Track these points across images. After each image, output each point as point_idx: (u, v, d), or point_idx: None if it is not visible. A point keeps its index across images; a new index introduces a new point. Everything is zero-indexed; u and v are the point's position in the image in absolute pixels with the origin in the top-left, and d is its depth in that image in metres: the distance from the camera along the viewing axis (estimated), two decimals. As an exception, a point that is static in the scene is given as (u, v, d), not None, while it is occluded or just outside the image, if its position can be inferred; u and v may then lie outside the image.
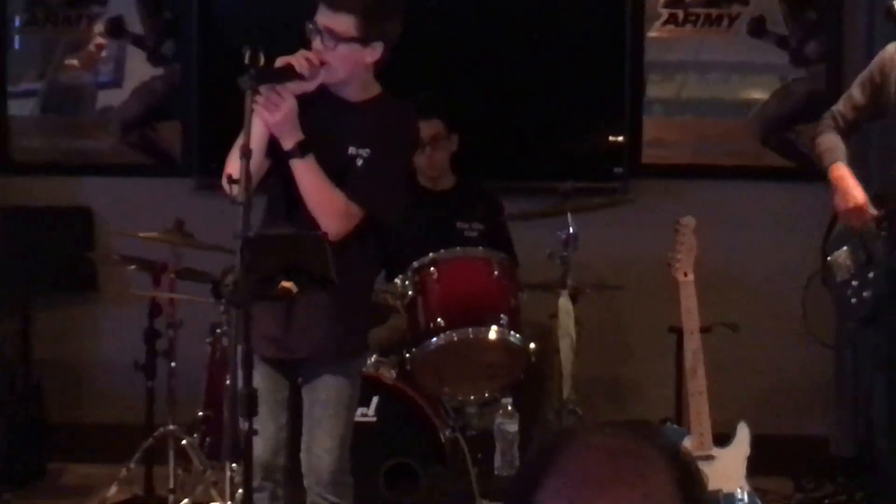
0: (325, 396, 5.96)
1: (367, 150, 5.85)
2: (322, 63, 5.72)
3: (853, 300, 6.91)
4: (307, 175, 5.77)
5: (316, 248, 5.61)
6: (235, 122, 5.55)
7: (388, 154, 5.92)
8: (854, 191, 6.64)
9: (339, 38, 5.74)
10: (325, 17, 5.76)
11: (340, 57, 5.77)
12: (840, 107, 6.89)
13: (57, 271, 9.23)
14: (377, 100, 5.99)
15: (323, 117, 5.86)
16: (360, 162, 5.85)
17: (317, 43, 5.78)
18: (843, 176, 6.70)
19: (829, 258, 7.02)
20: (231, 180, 5.46)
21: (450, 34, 8.89)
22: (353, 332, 6.08)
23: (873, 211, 6.60)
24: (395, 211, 5.99)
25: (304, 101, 5.74)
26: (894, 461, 6.79)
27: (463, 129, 8.11)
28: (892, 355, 6.63)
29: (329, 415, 5.95)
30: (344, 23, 5.72)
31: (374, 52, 5.83)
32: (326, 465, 5.96)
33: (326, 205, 5.78)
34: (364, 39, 5.77)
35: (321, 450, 5.95)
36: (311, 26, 5.77)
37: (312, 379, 5.99)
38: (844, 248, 6.90)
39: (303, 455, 6.03)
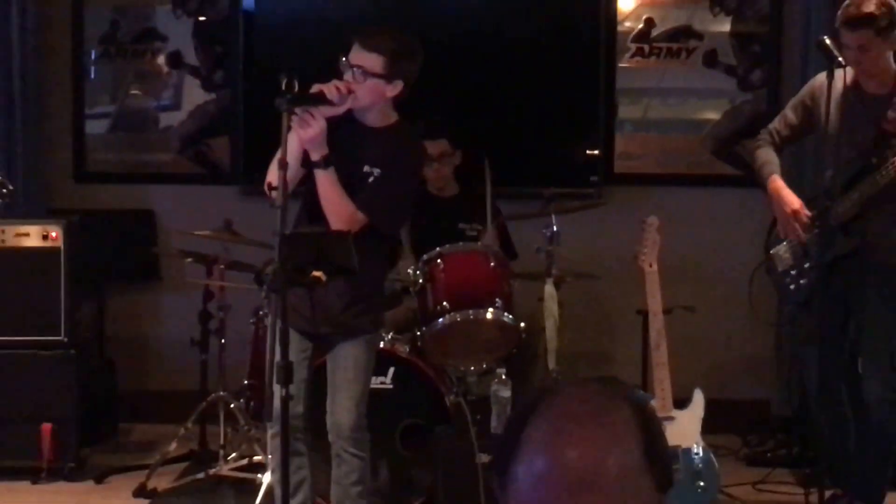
0: (344, 364, 6.05)
1: (379, 170, 5.94)
2: (350, 92, 5.80)
3: (791, 287, 6.93)
4: (326, 183, 5.86)
5: (341, 243, 5.66)
6: (274, 139, 5.61)
7: (395, 176, 6.00)
8: (790, 198, 6.68)
9: (367, 74, 5.85)
10: (357, 55, 5.87)
11: (367, 89, 5.87)
12: (776, 125, 6.92)
13: (126, 263, 9.27)
14: (393, 127, 6.07)
15: (346, 138, 5.92)
16: (371, 179, 5.93)
17: (348, 75, 5.86)
18: (779, 187, 6.73)
19: (770, 251, 7.04)
20: (271, 187, 5.57)
21: (456, 66, 8.87)
22: (366, 312, 6.14)
23: (807, 212, 6.62)
24: (393, 224, 6.16)
25: (332, 122, 5.79)
26: (822, 419, 6.80)
27: (465, 145, 8.14)
28: (821, 332, 6.64)
29: (348, 379, 6.03)
30: (373, 61, 5.83)
31: (395, 88, 5.93)
32: (346, 422, 6.02)
33: (336, 209, 5.87)
34: (388, 77, 5.88)
35: (342, 409, 6.02)
36: (344, 61, 5.86)
37: (335, 349, 6.08)
38: (784, 243, 6.92)
39: (327, 415, 6.08)
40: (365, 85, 5.88)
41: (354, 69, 5.86)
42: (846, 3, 6.42)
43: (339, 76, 5.88)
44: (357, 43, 5.90)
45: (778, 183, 6.76)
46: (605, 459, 2.06)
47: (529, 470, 2.09)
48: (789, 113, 6.88)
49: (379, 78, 5.88)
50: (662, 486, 2.13)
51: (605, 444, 2.08)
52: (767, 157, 6.81)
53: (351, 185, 5.92)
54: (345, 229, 5.83)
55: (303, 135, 5.74)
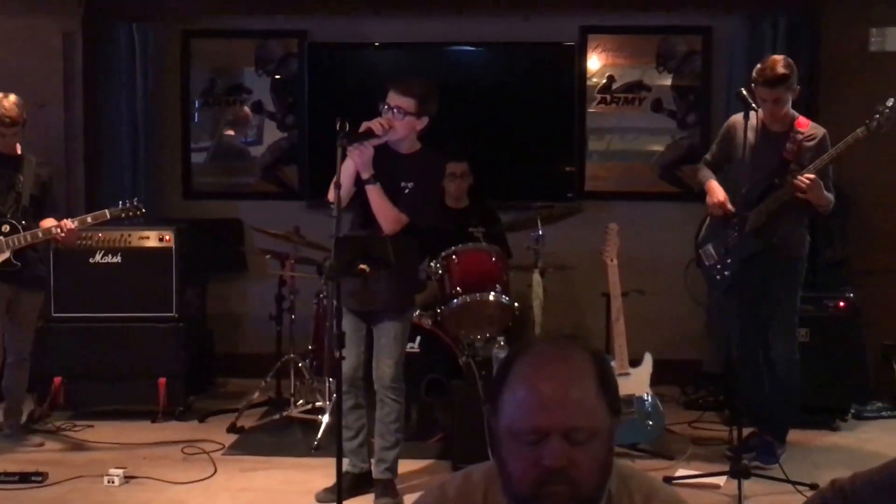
0: (387, 332, 6.05)
1: (412, 184, 5.98)
2: (390, 127, 5.87)
3: (717, 277, 6.87)
4: (374, 195, 5.90)
5: (381, 244, 5.70)
6: (332, 166, 5.60)
7: (424, 186, 6.07)
8: (718, 192, 6.67)
9: (404, 113, 5.91)
10: (395, 98, 5.92)
11: (403, 125, 5.95)
12: (707, 155, 6.94)
13: (221, 259, 9.28)
14: (420, 152, 6.11)
15: (386, 162, 5.95)
16: (407, 190, 5.96)
17: (388, 114, 5.91)
18: (712, 185, 6.73)
19: (700, 249, 6.98)
20: (329, 203, 5.60)
21: (467, 107, 8.82)
22: (404, 295, 6.17)
23: (731, 206, 6.59)
24: (427, 220, 6.10)
25: (376, 149, 5.85)
26: (743, 375, 6.74)
27: (477, 167, 8.15)
28: (740, 311, 6.59)
29: (390, 343, 6.06)
30: (407, 103, 5.91)
31: (423, 123, 6.02)
32: (388, 374, 6.05)
33: (385, 213, 5.91)
34: (418, 114, 5.96)
35: (384, 365, 6.04)
36: (384, 106, 5.91)
37: (379, 323, 6.08)
38: (710, 243, 6.87)
39: (373, 370, 6.09)
40: (403, 121, 5.94)
41: (394, 109, 5.90)
42: (761, 66, 6.44)
43: (379, 115, 5.92)
44: (393, 89, 5.94)
45: (712, 182, 6.76)
46: (569, 386, 2.14)
47: (513, 397, 2.16)
48: (714, 147, 6.93)
49: (412, 115, 5.94)
50: (613, 410, 2.21)
51: (568, 376, 2.16)
52: (704, 171, 6.85)
53: (393, 195, 5.95)
54: (394, 229, 5.92)
55: (357, 160, 5.82)
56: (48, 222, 6.91)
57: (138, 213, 7.03)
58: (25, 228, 6.89)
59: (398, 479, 6.24)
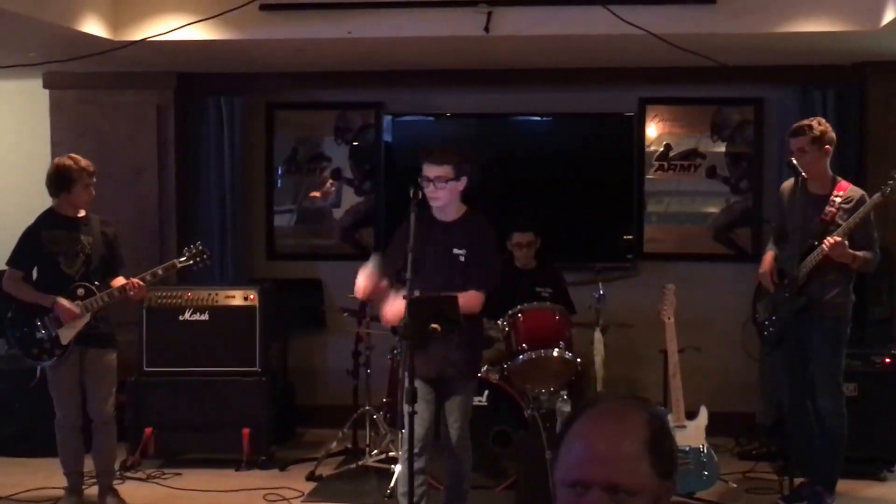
0: (455, 397, 6.05)
1: (465, 250, 5.99)
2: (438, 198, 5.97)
3: (766, 333, 6.94)
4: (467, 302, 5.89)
5: (451, 305, 5.69)
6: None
7: (481, 253, 6.04)
8: (765, 263, 6.81)
9: (445, 180, 5.92)
10: (432, 169, 5.94)
11: (446, 192, 5.95)
12: (773, 231, 7.05)
13: (302, 316, 9.37)
14: (465, 216, 6.13)
15: (436, 233, 6.00)
16: (462, 258, 5.98)
17: (430, 188, 5.94)
18: (765, 257, 6.81)
19: (755, 305, 7.04)
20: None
21: (532, 175, 8.97)
22: (472, 360, 6.16)
23: (775, 279, 6.72)
24: (493, 283, 6.10)
25: (424, 220, 5.91)
26: (793, 427, 6.78)
27: (543, 232, 8.21)
28: (787, 366, 6.66)
29: (458, 408, 6.04)
30: (445, 170, 5.92)
31: (462, 184, 6.01)
32: (456, 434, 6.05)
33: (468, 308, 5.89)
34: (457, 177, 5.95)
35: (453, 428, 6.05)
36: (421, 180, 5.93)
37: (450, 388, 6.07)
38: (762, 301, 6.93)
39: (443, 429, 6.11)
40: (444, 189, 5.95)
41: (435, 180, 5.93)
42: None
43: (419, 187, 5.96)
44: (427, 161, 5.96)
45: (766, 256, 6.90)
46: (616, 444, 2.14)
47: (570, 450, 2.18)
48: (777, 216, 7.01)
49: (452, 181, 5.95)
50: (663, 472, 2.17)
51: (617, 433, 2.16)
52: (770, 245, 6.98)
53: (447, 266, 5.99)
54: (478, 309, 5.98)
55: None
56: (119, 281, 6.81)
57: (204, 255, 7.02)
58: (98, 289, 6.74)
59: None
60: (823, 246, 6.43)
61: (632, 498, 2.12)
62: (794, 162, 6.45)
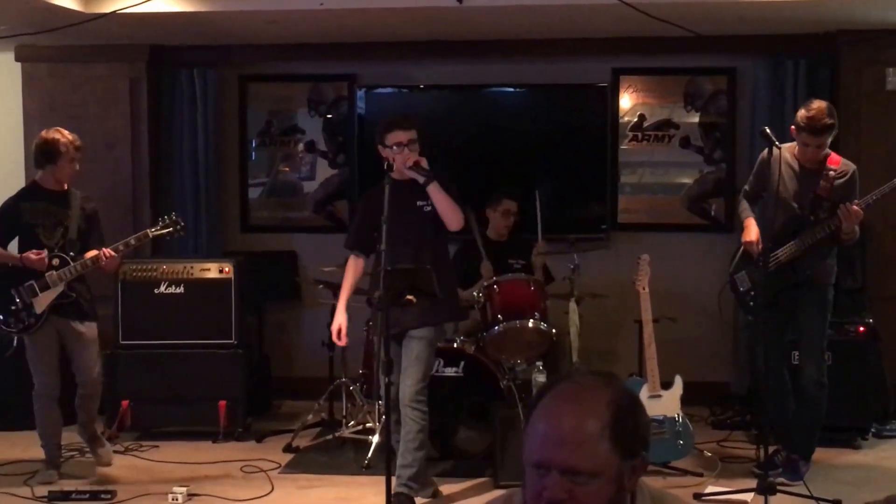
0: (409, 353, 6.16)
1: (426, 200, 6.12)
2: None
3: (751, 304, 6.85)
4: (435, 191, 6.03)
5: (426, 276, 5.70)
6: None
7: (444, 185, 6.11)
8: (752, 231, 6.63)
9: (416, 141, 6.06)
10: (402, 135, 6.06)
11: (415, 153, 6.03)
12: (746, 186, 6.89)
13: (277, 289, 9.30)
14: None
15: (400, 192, 5.98)
16: (426, 208, 6.13)
17: (404, 152, 6.03)
18: (749, 223, 6.67)
19: (734, 276, 6.95)
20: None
21: (507, 148, 8.89)
22: (429, 318, 6.17)
23: (759, 244, 6.59)
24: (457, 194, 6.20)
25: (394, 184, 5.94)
26: (768, 396, 6.72)
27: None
28: (766, 335, 6.59)
29: (412, 363, 6.13)
30: (413, 134, 6.07)
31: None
32: (407, 394, 6.07)
33: (450, 205, 6.06)
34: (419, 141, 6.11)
35: (406, 385, 6.09)
36: (392, 146, 6.05)
37: (406, 343, 6.18)
38: (743, 271, 6.85)
39: (399, 387, 6.11)
40: (416, 149, 6.06)
41: (409, 144, 6.03)
42: (807, 114, 6.34)
43: (384, 157, 6.09)
44: (397, 129, 6.06)
45: (750, 220, 6.72)
46: (574, 427, 2.11)
47: (534, 430, 2.16)
48: (751, 178, 6.87)
49: (416, 143, 6.08)
50: (627, 452, 2.14)
51: (576, 416, 2.13)
52: (745, 206, 6.81)
53: (416, 218, 6.08)
54: (459, 224, 6.11)
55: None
56: (92, 252, 6.77)
57: (178, 226, 6.94)
58: (74, 260, 6.73)
59: (441, 498, 6.28)
60: (852, 210, 6.32)
61: (592, 479, 2.10)
62: (768, 131, 6.31)
